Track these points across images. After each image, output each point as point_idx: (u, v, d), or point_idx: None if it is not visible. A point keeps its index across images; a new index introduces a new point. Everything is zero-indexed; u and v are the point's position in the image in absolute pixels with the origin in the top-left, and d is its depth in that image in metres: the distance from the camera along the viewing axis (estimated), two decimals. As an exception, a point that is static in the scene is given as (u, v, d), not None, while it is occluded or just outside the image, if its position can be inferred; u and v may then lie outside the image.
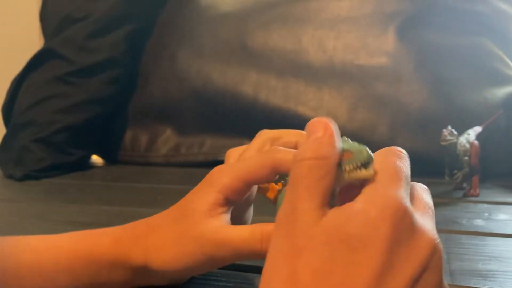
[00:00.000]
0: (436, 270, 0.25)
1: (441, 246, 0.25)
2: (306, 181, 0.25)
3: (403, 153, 0.28)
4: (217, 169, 0.38)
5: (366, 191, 0.26)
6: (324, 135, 0.26)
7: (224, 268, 0.42)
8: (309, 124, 0.28)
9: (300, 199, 0.25)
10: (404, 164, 0.27)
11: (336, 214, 0.25)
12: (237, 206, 0.39)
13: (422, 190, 0.29)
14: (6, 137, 1.07)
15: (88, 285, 0.37)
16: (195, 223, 0.37)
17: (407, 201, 0.25)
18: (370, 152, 0.27)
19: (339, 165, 0.27)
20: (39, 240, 0.38)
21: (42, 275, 0.36)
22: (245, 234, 0.35)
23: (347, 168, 0.27)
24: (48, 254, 0.37)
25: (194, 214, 0.37)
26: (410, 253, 0.24)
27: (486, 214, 0.62)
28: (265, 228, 0.34)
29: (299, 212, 0.25)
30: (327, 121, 0.27)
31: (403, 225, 0.24)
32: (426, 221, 0.26)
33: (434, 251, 0.24)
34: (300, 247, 0.24)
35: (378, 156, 0.28)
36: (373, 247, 0.23)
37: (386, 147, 0.29)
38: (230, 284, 0.40)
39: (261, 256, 0.33)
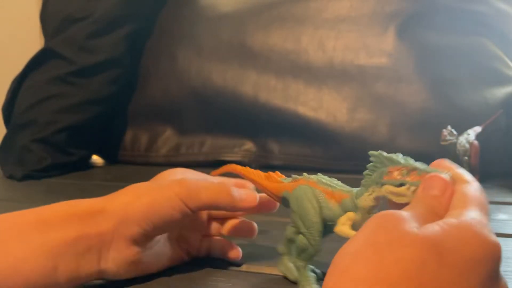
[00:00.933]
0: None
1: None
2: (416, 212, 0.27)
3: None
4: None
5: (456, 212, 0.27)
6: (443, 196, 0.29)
7: (223, 268, 0.42)
8: (431, 179, 0.29)
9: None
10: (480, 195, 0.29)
11: (434, 227, 0.25)
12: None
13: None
14: (6, 137, 1.07)
15: (41, 247, 0.36)
16: (172, 175, 0.44)
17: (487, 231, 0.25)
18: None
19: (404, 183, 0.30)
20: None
21: None
22: (219, 183, 0.41)
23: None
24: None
25: (165, 178, 0.44)
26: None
27: (486, 214, 0.62)
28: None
29: (404, 216, 0.26)
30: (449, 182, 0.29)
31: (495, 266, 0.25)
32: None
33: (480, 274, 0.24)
34: (395, 243, 0.24)
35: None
36: (468, 270, 0.23)
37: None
38: (229, 284, 0.40)
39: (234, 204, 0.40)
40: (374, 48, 0.97)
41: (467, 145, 0.71)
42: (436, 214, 0.27)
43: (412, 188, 0.30)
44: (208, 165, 1.03)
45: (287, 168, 0.96)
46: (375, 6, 1.00)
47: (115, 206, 0.38)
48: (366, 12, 1.00)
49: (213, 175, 0.48)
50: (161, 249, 0.42)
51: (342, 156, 0.94)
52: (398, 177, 0.31)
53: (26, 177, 0.96)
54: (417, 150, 0.90)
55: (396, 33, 0.96)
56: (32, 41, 1.43)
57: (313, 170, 0.94)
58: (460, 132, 0.73)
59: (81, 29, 1.07)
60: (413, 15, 0.97)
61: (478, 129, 0.77)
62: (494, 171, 0.83)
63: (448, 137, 0.69)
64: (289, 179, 0.40)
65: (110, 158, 1.16)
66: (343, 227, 0.35)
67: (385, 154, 0.32)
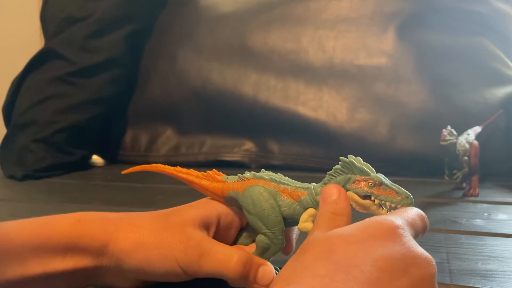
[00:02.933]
0: None
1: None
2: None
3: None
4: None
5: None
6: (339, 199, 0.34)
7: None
8: (326, 188, 0.35)
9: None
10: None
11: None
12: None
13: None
14: (6, 137, 1.07)
15: (39, 275, 0.35)
16: (183, 225, 0.37)
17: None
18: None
19: (378, 196, 0.34)
20: None
21: None
22: (230, 251, 0.36)
23: (387, 204, 0.34)
24: None
25: (182, 217, 0.38)
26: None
27: (486, 214, 0.62)
28: (249, 254, 0.36)
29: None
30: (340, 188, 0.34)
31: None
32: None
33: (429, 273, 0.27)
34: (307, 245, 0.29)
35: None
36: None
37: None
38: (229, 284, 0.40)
39: (239, 280, 0.35)
40: (374, 48, 0.97)
41: (467, 145, 0.71)
42: (338, 215, 0.33)
43: (377, 200, 0.34)
44: (208, 165, 1.03)
45: (287, 168, 0.96)
46: (374, 7, 1.00)
47: (118, 247, 0.36)
48: (366, 13, 1.00)
49: (124, 173, 0.45)
50: None
51: (342, 156, 0.94)
52: (365, 188, 0.34)
53: (26, 177, 0.96)
54: (417, 150, 0.90)
55: (396, 33, 0.96)
56: (32, 41, 1.43)
57: (313, 170, 0.95)
58: (460, 132, 0.73)
59: (81, 29, 1.07)
60: (413, 15, 0.97)
61: (478, 129, 0.77)
62: (494, 171, 0.84)
63: (448, 137, 0.69)
64: (234, 177, 0.39)
65: (110, 158, 1.16)
66: (306, 224, 0.36)
67: (357, 164, 0.34)
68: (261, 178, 0.38)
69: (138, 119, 1.14)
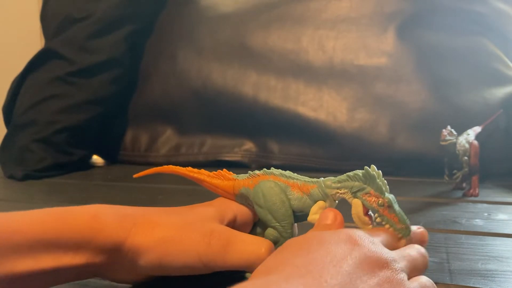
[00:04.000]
0: None
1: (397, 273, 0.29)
2: None
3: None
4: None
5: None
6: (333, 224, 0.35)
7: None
8: (325, 212, 0.35)
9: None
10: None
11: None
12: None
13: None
14: (6, 137, 1.07)
15: (50, 269, 0.34)
16: (203, 221, 0.37)
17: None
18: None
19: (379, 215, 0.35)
20: None
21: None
22: (257, 239, 0.36)
23: (386, 226, 0.34)
24: (6, 236, 0.33)
25: (201, 214, 0.37)
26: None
27: (486, 214, 0.62)
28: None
29: None
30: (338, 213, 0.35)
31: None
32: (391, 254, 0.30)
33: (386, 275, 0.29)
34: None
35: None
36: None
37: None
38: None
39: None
40: (374, 48, 0.97)
41: (467, 145, 0.71)
42: None
43: (378, 219, 0.35)
44: (208, 165, 1.03)
45: (287, 168, 0.96)
46: (374, 7, 1.00)
47: (136, 244, 0.35)
48: (366, 13, 1.00)
49: (136, 177, 0.45)
50: None
51: (342, 156, 0.94)
52: (374, 204, 0.35)
53: (26, 177, 0.96)
54: (417, 150, 0.90)
55: (396, 33, 0.97)
56: (32, 41, 1.43)
57: (313, 170, 0.95)
58: (460, 132, 0.73)
59: (81, 30, 1.07)
60: (413, 16, 0.97)
61: (478, 129, 0.77)
62: (494, 171, 0.84)
63: (448, 137, 0.69)
64: (244, 175, 0.40)
65: (110, 158, 1.16)
66: (316, 216, 0.36)
67: (377, 178, 0.35)
68: (271, 173, 0.39)
69: (138, 119, 1.14)
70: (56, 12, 1.14)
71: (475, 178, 0.73)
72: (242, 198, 0.40)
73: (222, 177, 0.41)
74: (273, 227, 0.38)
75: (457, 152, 0.70)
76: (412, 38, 0.96)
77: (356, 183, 0.35)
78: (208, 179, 0.41)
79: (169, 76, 1.11)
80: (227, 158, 1.03)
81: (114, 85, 1.09)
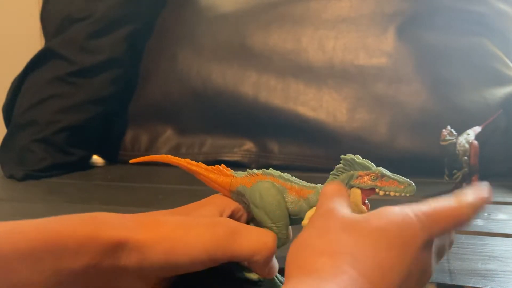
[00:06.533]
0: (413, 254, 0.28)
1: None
2: None
3: None
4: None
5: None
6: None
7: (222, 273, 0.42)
8: None
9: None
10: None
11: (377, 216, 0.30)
12: None
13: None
14: (6, 137, 1.07)
15: (50, 272, 0.32)
16: (206, 216, 0.37)
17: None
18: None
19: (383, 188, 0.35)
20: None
21: (1, 264, 0.31)
22: (262, 229, 0.36)
23: (392, 194, 0.35)
24: (8, 240, 0.32)
25: (201, 212, 0.37)
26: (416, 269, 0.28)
27: (486, 214, 0.62)
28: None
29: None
30: None
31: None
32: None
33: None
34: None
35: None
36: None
37: None
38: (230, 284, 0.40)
39: (268, 259, 0.35)
40: (374, 49, 0.97)
41: (467, 145, 0.71)
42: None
43: (381, 192, 0.35)
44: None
45: (287, 168, 0.96)
46: (375, 7, 1.00)
47: (140, 242, 0.34)
48: (366, 13, 1.00)
49: (132, 162, 0.45)
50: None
51: (342, 155, 0.94)
52: (369, 182, 0.35)
53: (26, 177, 0.96)
54: (416, 150, 0.90)
55: (396, 34, 0.97)
56: (32, 41, 1.43)
57: (313, 170, 0.95)
58: (460, 132, 0.73)
59: (81, 29, 1.07)
60: (413, 16, 0.97)
61: (478, 129, 0.77)
62: (494, 171, 0.84)
63: (448, 137, 0.69)
64: (242, 173, 0.40)
65: (110, 158, 1.16)
66: None
67: (357, 160, 0.35)
68: (270, 174, 0.39)
69: (138, 119, 1.14)
70: (56, 12, 1.13)
71: (475, 178, 0.73)
72: (238, 196, 0.40)
73: (219, 173, 0.41)
74: (269, 228, 0.37)
75: (457, 152, 0.70)
76: (412, 38, 0.96)
77: (343, 175, 0.36)
78: (205, 173, 0.41)
79: (169, 76, 1.11)
80: (227, 158, 1.03)
81: (114, 85, 1.09)
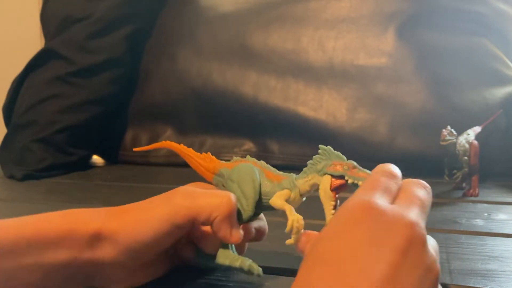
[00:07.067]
0: (417, 256, 0.27)
1: (420, 231, 0.28)
2: None
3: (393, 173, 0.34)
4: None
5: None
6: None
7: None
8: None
9: None
10: (387, 180, 0.33)
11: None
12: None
13: (414, 184, 0.34)
14: (6, 137, 1.07)
15: (32, 266, 0.35)
16: (168, 194, 0.38)
17: (375, 201, 0.29)
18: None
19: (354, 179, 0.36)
20: None
21: None
22: (220, 191, 0.39)
23: (360, 184, 0.36)
24: None
25: (169, 192, 0.39)
26: (386, 240, 0.27)
27: (486, 214, 0.62)
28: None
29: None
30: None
31: (373, 218, 0.28)
32: (405, 210, 0.29)
33: (410, 234, 0.27)
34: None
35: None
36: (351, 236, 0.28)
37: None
38: (230, 284, 0.40)
39: (230, 220, 0.37)
40: (374, 49, 0.97)
41: (467, 145, 0.71)
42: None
43: (350, 180, 0.36)
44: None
45: (287, 168, 0.96)
46: (374, 7, 1.00)
47: (111, 230, 0.36)
48: (365, 13, 1.00)
49: (135, 150, 0.49)
50: (153, 266, 0.40)
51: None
52: (340, 170, 0.37)
53: (26, 177, 0.96)
54: (417, 150, 0.90)
55: (396, 34, 0.97)
56: (32, 41, 1.43)
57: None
58: (460, 132, 0.73)
59: (81, 29, 1.07)
60: (413, 16, 0.97)
61: (478, 129, 0.77)
62: (494, 171, 0.84)
63: (448, 137, 0.69)
64: (227, 161, 0.44)
65: (110, 158, 1.16)
66: (278, 199, 0.39)
67: (333, 150, 0.38)
68: (253, 160, 0.42)
69: (138, 119, 1.14)
70: (56, 12, 1.14)
71: (475, 178, 0.73)
72: (219, 178, 0.43)
73: (207, 159, 0.45)
74: (239, 201, 0.40)
75: (457, 152, 0.70)
76: (412, 38, 0.96)
77: (320, 164, 0.38)
78: (194, 157, 0.45)
79: (169, 76, 1.11)
80: (227, 158, 1.02)
81: (114, 85, 1.09)
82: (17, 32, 1.47)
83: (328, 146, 0.38)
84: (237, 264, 0.38)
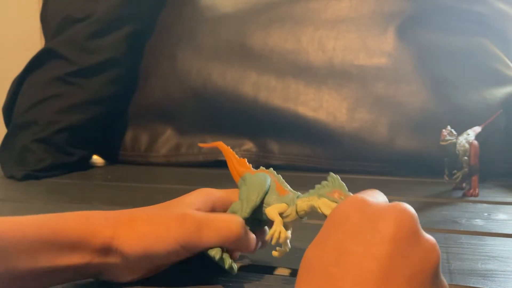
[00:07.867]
0: (410, 240, 0.26)
1: (411, 213, 0.27)
2: None
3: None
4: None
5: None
6: None
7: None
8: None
9: None
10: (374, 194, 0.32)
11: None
12: None
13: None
14: (7, 137, 1.07)
15: (47, 269, 0.36)
16: (178, 207, 0.40)
17: (364, 196, 0.30)
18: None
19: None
20: (2, 222, 0.36)
21: (2, 258, 0.35)
22: (228, 216, 0.39)
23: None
24: (9, 236, 0.35)
25: (178, 204, 0.40)
26: (374, 233, 0.26)
27: (486, 214, 0.62)
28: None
29: None
30: None
31: (361, 209, 0.28)
32: (394, 203, 0.28)
33: (399, 218, 0.27)
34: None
35: None
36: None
37: None
38: (230, 284, 0.40)
39: (240, 242, 0.39)
40: (374, 49, 0.97)
41: (467, 145, 0.71)
42: None
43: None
44: (208, 165, 1.04)
45: (287, 168, 0.96)
46: (374, 7, 1.00)
47: (121, 242, 0.38)
48: (365, 13, 1.00)
49: (201, 146, 0.50)
50: None
51: (342, 156, 0.94)
52: (337, 197, 0.38)
53: (26, 177, 0.96)
54: (417, 150, 0.90)
55: (396, 34, 0.97)
56: (32, 41, 1.43)
57: (313, 170, 0.95)
58: (460, 132, 0.73)
59: (82, 30, 1.07)
60: (413, 16, 0.97)
61: (478, 129, 0.77)
62: (494, 171, 0.84)
63: (448, 137, 0.69)
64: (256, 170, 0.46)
65: (110, 158, 1.16)
66: (273, 209, 0.40)
67: (340, 180, 0.39)
68: (272, 172, 0.44)
69: (138, 119, 1.14)
70: (56, 12, 1.14)
71: (475, 178, 0.73)
72: (241, 181, 0.45)
73: (242, 163, 0.46)
74: (241, 200, 0.41)
75: (457, 152, 0.70)
76: (412, 38, 0.96)
77: (323, 189, 0.39)
78: (233, 159, 0.47)
79: (169, 76, 1.11)
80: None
81: (114, 85, 1.09)
82: (17, 32, 1.47)
83: (337, 175, 0.39)
84: (212, 253, 0.39)
